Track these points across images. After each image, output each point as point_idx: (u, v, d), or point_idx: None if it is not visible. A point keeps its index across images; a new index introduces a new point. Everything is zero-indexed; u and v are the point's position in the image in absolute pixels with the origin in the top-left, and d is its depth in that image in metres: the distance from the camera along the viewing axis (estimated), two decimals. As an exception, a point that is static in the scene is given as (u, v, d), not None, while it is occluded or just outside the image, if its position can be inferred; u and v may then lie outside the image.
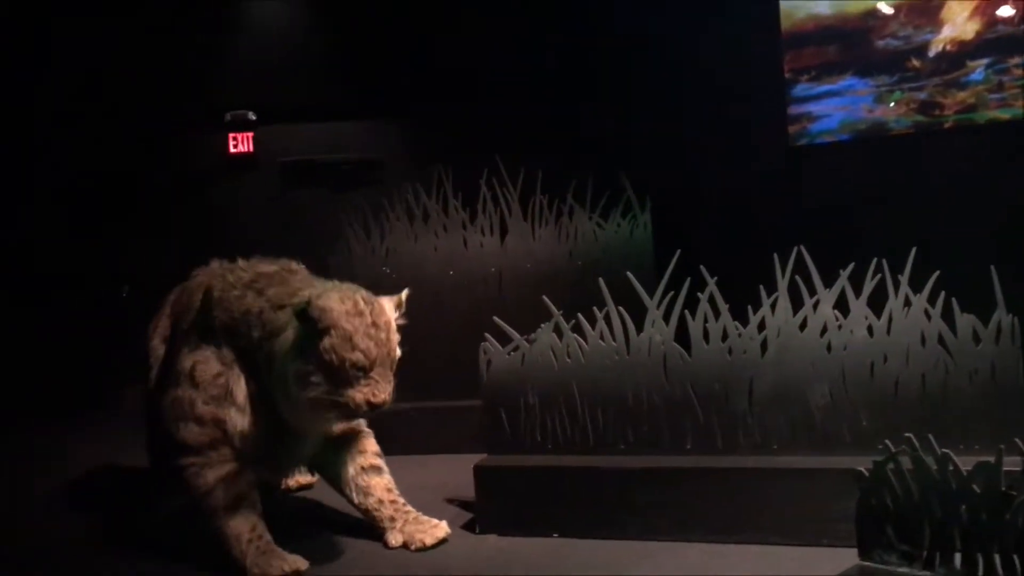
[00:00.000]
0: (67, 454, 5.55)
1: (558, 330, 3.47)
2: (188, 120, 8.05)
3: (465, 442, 4.24)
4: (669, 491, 3.20)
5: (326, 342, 2.92)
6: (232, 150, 8.24)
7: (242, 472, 3.17)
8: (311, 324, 2.93)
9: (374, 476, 3.40)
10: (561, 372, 3.44)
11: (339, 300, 2.98)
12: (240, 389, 3.15)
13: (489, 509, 3.43)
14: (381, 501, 3.36)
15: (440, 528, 3.34)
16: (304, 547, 3.23)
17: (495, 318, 3.61)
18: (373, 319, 3.00)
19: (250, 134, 8.23)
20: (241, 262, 3.46)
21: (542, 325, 3.49)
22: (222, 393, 3.14)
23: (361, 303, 3.02)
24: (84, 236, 7.64)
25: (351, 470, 3.40)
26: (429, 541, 3.27)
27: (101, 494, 4.50)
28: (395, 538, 3.30)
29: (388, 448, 4.08)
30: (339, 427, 3.36)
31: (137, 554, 3.49)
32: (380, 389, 2.97)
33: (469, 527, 3.48)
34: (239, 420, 3.13)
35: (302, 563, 3.05)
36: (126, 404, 6.77)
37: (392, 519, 3.33)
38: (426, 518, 3.38)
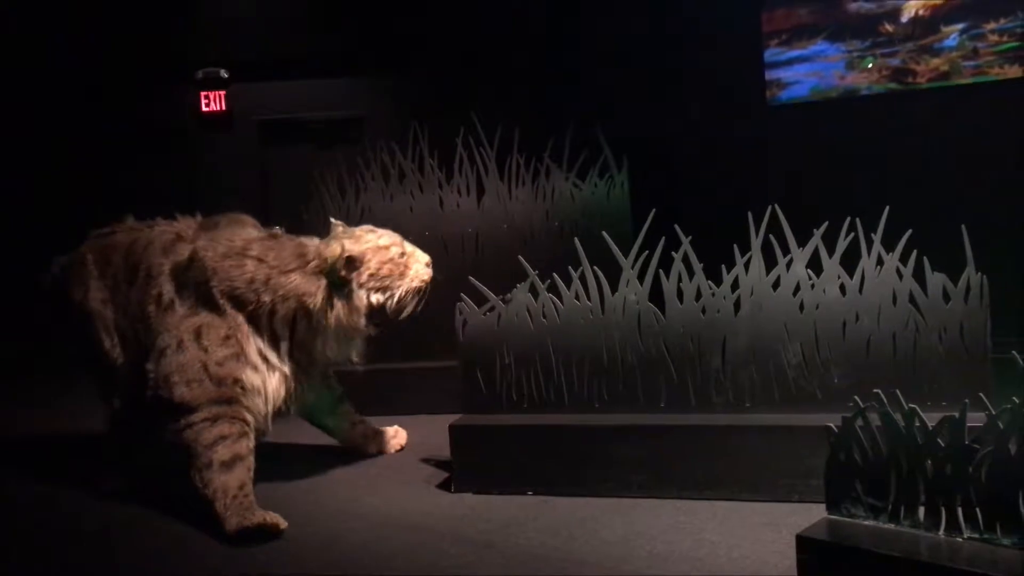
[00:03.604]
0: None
1: (534, 290, 3.48)
2: (158, 78, 7.91)
3: (443, 402, 4.27)
4: (643, 448, 3.24)
5: (370, 268, 3.37)
6: (204, 108, 8.13)
7: (245, 435, 3.25)
8: (351, 267, 3.33)
9: (344, 404, 3.98)
10: (537, 332, 3.45)
11: (345, 242, 3.38)
12: (252, 348, 3.35)
13: (465, 468, 3.45)
14: (353, 424, 4.02)
15: (400, 435, 4.12)
16: (280, 504, 3.25)
17: (471, 278, 3.61)
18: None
19: (222, 92, 8.11)
20: (182, 221, 3.70)
21: (518, 285, 3.49)
22: (235, 353, 3.30)
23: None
24: (51, 198, 7.52)
25: (327, 402, 3.89)
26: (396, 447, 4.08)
27: (55, 459, 4.39)
28: (373, 448, 4.03)
29: (368, 410, 4.13)
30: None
31: (107, 518, 3.48)
32: (421, 252, 3.56)
33: (445, 486, 3.51)
34: (254, 378, 3.34)
35: (282, 522, 3.07)
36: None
37: (365, 436, 4.03)
38: (383, 429, 4.09)
